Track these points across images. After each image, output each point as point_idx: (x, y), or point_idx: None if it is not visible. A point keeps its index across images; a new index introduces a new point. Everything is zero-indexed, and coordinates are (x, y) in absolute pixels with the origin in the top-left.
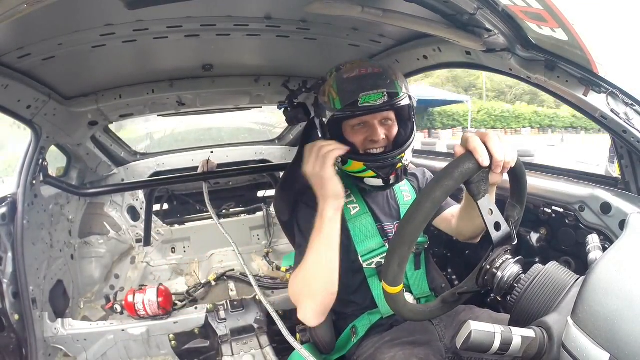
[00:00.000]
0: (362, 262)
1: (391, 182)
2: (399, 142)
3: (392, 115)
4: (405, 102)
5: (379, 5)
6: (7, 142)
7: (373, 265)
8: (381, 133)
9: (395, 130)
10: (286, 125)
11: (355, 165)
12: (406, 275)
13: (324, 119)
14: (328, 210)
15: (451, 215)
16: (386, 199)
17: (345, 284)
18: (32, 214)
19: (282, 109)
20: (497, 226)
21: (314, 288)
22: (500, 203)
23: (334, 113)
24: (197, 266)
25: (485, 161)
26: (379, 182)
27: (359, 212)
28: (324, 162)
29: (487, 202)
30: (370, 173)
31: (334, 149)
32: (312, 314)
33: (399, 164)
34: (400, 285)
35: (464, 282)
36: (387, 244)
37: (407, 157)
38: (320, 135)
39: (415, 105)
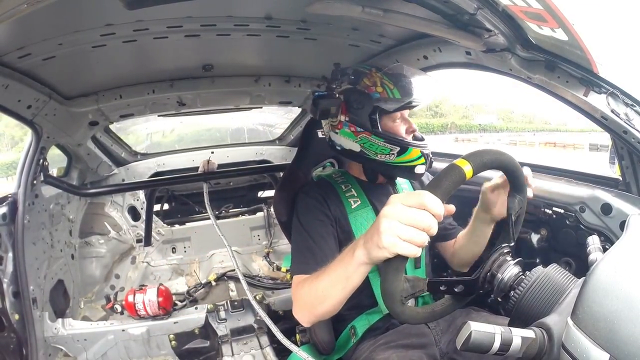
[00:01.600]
0: None
1: (430, 167)
2: (418, 135)
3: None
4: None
5: (379, 5)
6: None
7: None
8: (413, 124)
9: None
10: (286, 125)
11: (413, 153)
12: (406, 274)
13: (382, 108)
14: (365, 257)
15: (454, 241)
16: (389, 194)
17: None
18: (33, 213)
19: (316, 98)
20: None
21: (318, 309)
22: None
23: (396, 103)
24: (198, 266)
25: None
26: (424, 168)
27: (360, 206)
28: (423, 227)
29: None
30: (422, 160)
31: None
32: (307, 321)
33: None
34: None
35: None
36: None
37: None
38: (352, 130)
39: None
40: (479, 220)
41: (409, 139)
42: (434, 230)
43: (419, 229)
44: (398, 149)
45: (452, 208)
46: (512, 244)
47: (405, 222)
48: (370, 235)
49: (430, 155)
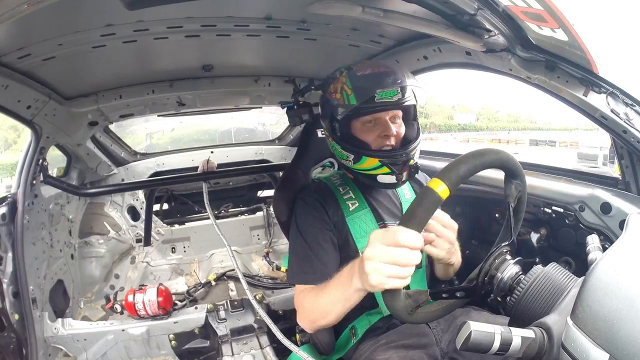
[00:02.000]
0: None
1: (403, 178)
2: (408, 140)
3: (399, 114)
4: (415, 99)
5: (379, 5)
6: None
7: None
8: (393, 128)
9: (403, 128)
10: (286, 125)
11: (369, 162)
12: None
13: (336, 117)
14: (360, 285)
15: None
16: (388, 197)
17: None
18: (32, 213)
19: (285, 108)
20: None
21: (320, 321)
22: (501, 203)
23: (347, 109)
24: (197, 266)
25: None
26: (392, 178)
27: (358, 208)
28: (404, 264)
29: None
30: (385, 169)
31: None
32: (309, 329)
33: (411, 161)
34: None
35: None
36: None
37: (416, 156)
38: (326, 135)
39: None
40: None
41: (386, 143)
42: (416, 260)
43: (401, 265)
44: (352, 156)
45: (454, 226)
46: (513, 239)
47: (387, 262)
48: (360, 272)
49: (410, 165)
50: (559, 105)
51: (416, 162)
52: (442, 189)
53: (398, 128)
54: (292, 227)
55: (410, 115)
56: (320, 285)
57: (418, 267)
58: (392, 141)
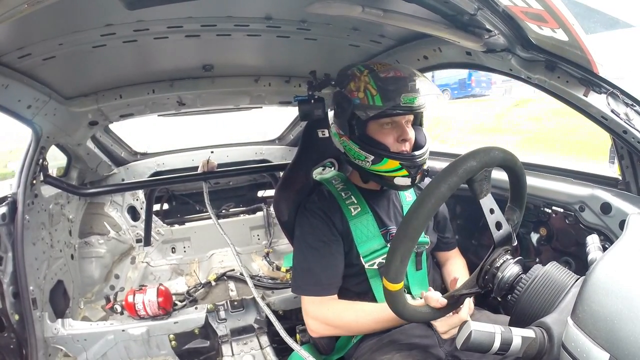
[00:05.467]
0: (364, 263)
1: (417, 181)
2: (420, 144)
3: (411, 118)
4: (427, 105)
5: (379, 5)
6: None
7: (375, 266)
8: (410, 133)
9: (413, 132)
10: (286, 125)
11: (390, 164)
12: (407, 275)
13: (359, 116)
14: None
15: (447, 257)
16: (390, 201)
17: (347, 286)
18: (32, 213)
19: (297, 102)
20: (498, 225)
21: (340, 333)
22: (500, 203)
23: (373, 110)
24: (197, 266)
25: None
26: (408, 181)
27: (360, 212)
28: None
29: (490, 202)
30: (403, 172)
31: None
32: (320, 335)
33: (424, 165)
34: (401, 283)
35: (464, 283)
36: (389, 246)
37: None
38: (340, 133)
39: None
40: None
41: (402, 147)
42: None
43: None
44: (372, 157)
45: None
46: (515, 243)
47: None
48: None
49: (423, 168)
50: None
51: (427, 166)
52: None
53: (411, 133)
54: (297, 238)
55: (419, 120)
56: (353, 303)
57: (419, 269)
58: (408, 146)
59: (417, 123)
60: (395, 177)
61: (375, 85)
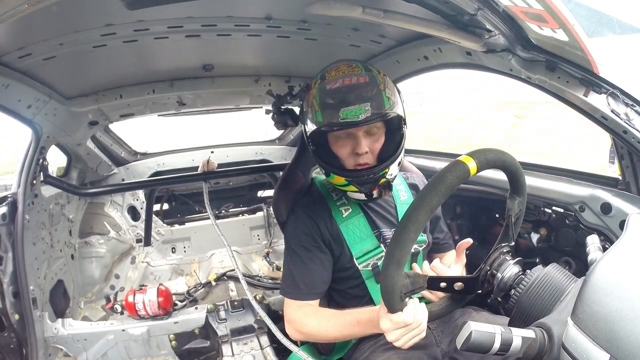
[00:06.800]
0: (357, 265)
1: (374, 196)
2: (384, 156)
3: (379, 125)
4: (391, 113)
5: (379, 5)
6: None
7: (369, 267)
8: (365, 146)
9: (381, 142)
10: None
11: (337, 179)
12: None
13: (307, 129)
14: (375, 329)
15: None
16: (382, 200)
17: (343, 289)
18: (33, 213)
19: (270, 114)
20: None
21: (316, 339)
22: (500, 203)
23: (316, 126)
24: (198, 266)
25: None
26: (361, 195)
27: (351, 214)
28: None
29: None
30: (353, 187)
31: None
32: (297, 339)
33: (382, 179)
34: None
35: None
36: (382, 247)
37: (392, 171)
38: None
39: (404, 115)
40: None
41: (360, 160)
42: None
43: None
44: (324, 170)
45: (469, 241)
46: (512, 243)
47: (404, 341)
48: (384, 321)
49: (383, 182)
50: None
51: (388, 180)
52: (472, 165)
53: (373, 143)
54: (285, 240)
55: (392, 126)
56: (326, 310)
57: (415, 253)
58: (365, 159)
59: (392, 130)
60: (347, 191)
61: (319, 100)
